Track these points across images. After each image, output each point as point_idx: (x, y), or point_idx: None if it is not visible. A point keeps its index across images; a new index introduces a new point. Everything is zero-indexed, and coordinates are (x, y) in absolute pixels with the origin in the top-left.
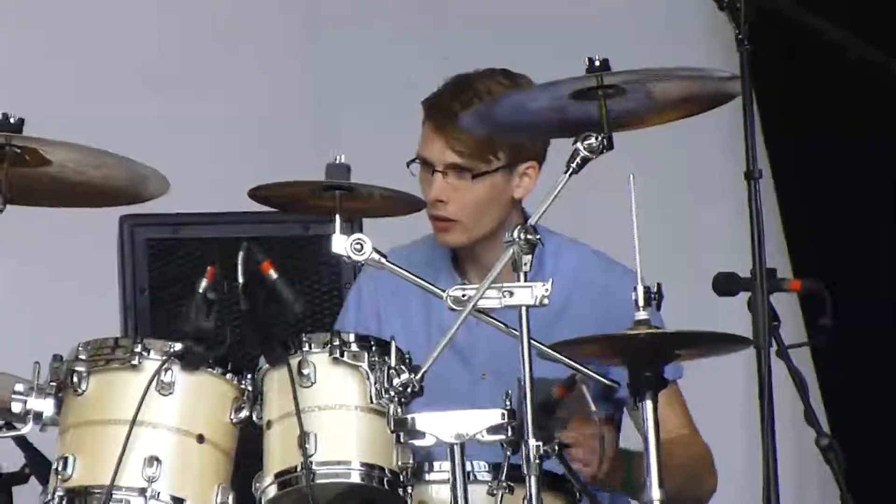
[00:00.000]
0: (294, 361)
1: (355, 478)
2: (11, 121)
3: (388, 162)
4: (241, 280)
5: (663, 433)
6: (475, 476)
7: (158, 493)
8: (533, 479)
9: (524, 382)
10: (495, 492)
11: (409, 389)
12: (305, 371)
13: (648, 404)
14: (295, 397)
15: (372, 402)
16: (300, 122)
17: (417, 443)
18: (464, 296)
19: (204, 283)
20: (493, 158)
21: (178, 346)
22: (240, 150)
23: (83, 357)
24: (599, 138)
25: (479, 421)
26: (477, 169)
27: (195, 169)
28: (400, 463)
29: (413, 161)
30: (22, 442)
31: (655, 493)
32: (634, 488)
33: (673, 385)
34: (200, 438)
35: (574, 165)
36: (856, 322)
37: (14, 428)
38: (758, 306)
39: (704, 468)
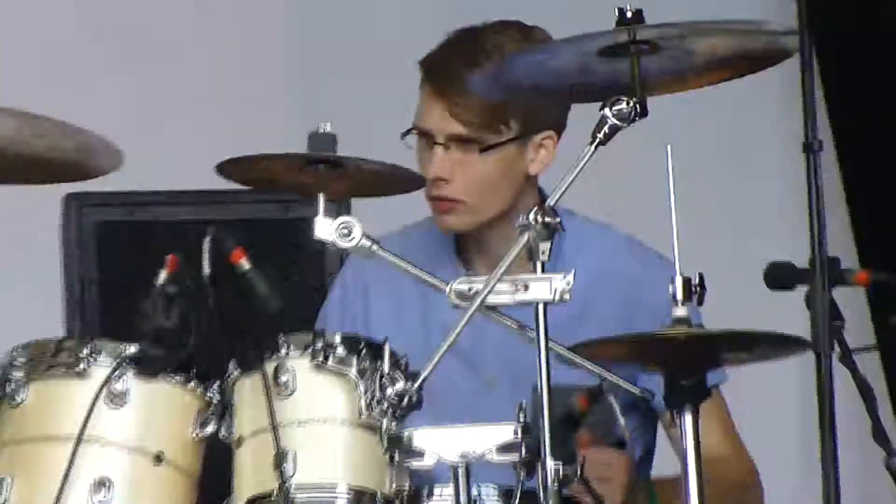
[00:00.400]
0: (269, 367)
1: None
2: None
3: (380, 132)
4: (207, 271)
5: (704, 452)
6: (483, 503)
7: None
8: None
9: (541, 391)
10: None
11: (405, 400)
12: (283, 378)
13: (688, 419)
14: (270, 409)
15: (362, 415)
16: (279, 86)
17: (415, 463)
18: (470, 290)
19: (163, 275)
20: (504, 128)
21: (132, 349)
22: (207, 118)
23: (20, 362)
24: (631, 103)
25: (488, 437)
26: (485, 140)
27: (154, 140)
28: (394, 487)
29: (408, 132)
30: None
31: None
32: None
33: (715, 393)
34: (158, 458)
35: (601, 135)
36: None
37: None
38: (817, 302)
39: (752, 496)
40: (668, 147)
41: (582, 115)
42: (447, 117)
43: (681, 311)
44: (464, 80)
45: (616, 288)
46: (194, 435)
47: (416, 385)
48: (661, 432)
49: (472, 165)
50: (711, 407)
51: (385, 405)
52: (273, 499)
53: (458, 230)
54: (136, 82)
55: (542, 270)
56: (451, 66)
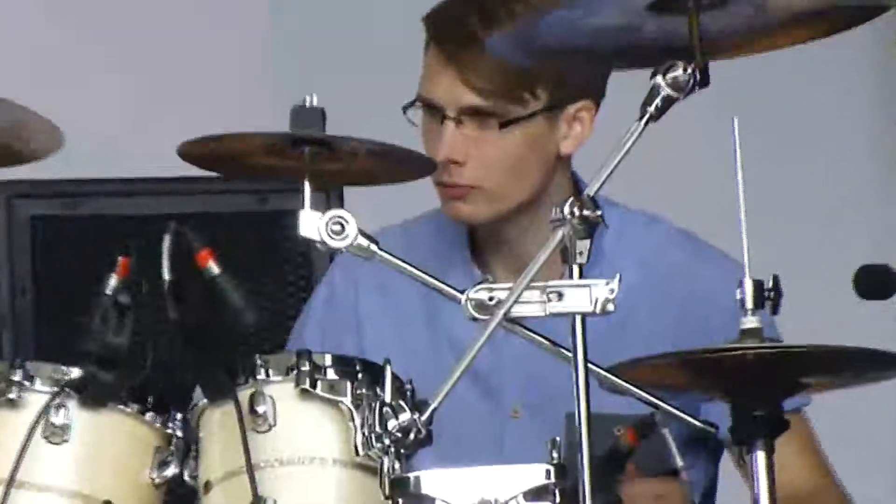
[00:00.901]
0: (244, 395)
1: None
2: None
3: (378, 108)
4: (167, 277)
5: (787, 488)
6: None
7: None
8: None
9: (579, 423)
10: None
11: (411, 435)
12: (261, 409)
13: (760, 457)
14: (245, 447)
15: (358, 453)
16: (255, 54)
17: None
18: (491, 299)
19: (114, 281)
20: (530, 97)
21: (75, 373)
22: (169, 91)
23: None
24: (689, 70)
25: (513, 481)
26: (506, 113)
27: (102, 117)
28: None
29: (411, 104)
30: None
31: None
32: None
33: (797, 417)
34: None
35: (652, 109)
36: None
37: None
38: None
39: None
40: (735, 121)
41: (627, 84)
42: (459, 86)
43: (751, 321)
44: (479, 40)
45: (668, 292)
46: (152, 478)
47: (425, 417)
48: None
49: (491, 144)
50: (796, 435)
51: (386, 441)
52: None
53: (473, 221)
54: (87, 48)
55: (580, 275)
56: (462, 22)
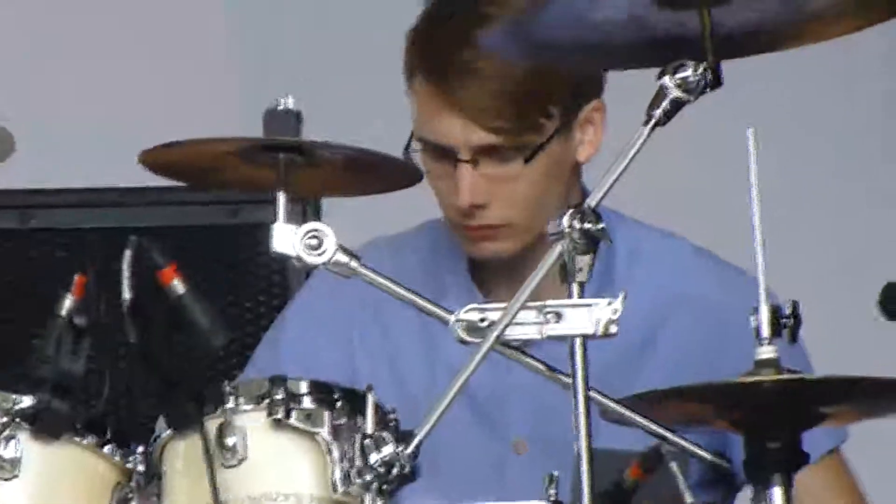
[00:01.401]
0: (212, 425)
1: None
2: None
3: (360, 109)
4: (127, 296)
5: None
6: None
7: None
8: None
9: (581, 457)
10: None
11: (394, 470)
12: (230, 441)
13: (777, 494)
14: (213, 483)
15: (336, 490)
16: (223, 52)
17: None
18: (483, 320)
19: (69, 302)
20: (545, 120)
21: (26, 401)
22: (129, 94)
23: None
24: (700, 70)
25: None
26: (525, 144)
27: (57, 121)
28: None
29: (409, 145)
30: None
31: None
32: None
33: (834, 459)
34: None
35: (659, 113)
36: None
37: None
38: None
39: None
40: (750, 131)
41: (632, 85)
42: (469, 125)
43: (768, 351)
44: (475, 70)
45: (691, 320)
46: None
47: (410, 449)
48: None
49: (515, 180)
50: (833, 474)
51: (367, 476)
52: None
53: (501, 257)
54: (41, 42)
55: (581, 294)
56: (451, 47)
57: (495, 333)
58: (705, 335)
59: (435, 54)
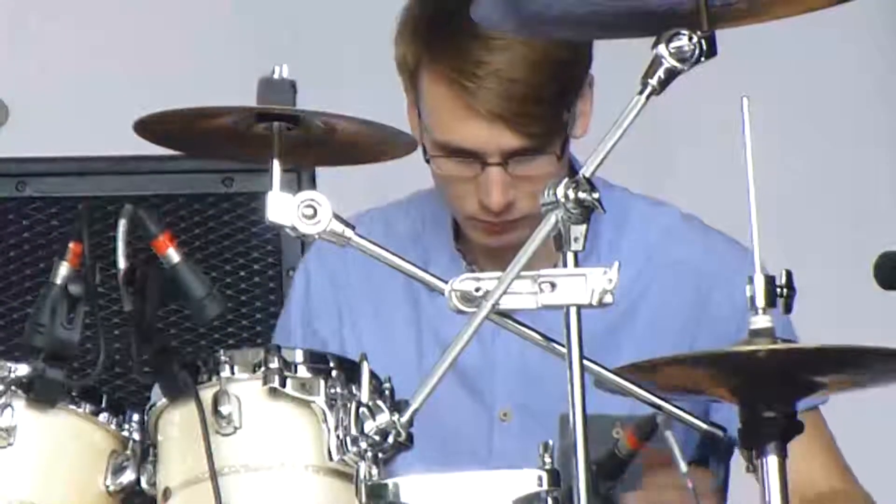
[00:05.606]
0: (207, 394)
1: None
2: None
3: (357, 79)
4: (122, 264)
5: (804, 491)
6: None
7: None
8: None
9: (573, 425)
10: None
11: (389, 438)
12: (225, 409)
13: (772, 462)
14: (208, 451)
15: (331, 458)
16: (220, 20)
17: None
18: (478, 290)
19: (64, 269)
20: (566, 112)
21: (21, 370)
22: (124, 61)
23: None
24: (694, 39)
25: (502, 487)
26: (554, 140)
27: (53, 90)
28: None
29: (424, 151)
30: None
31: None
32: None
33: (814, 416)
34: None
35: (653, 82)
36: None
37: None
38: None
39: None
40: (744, 100)
41: (625, 54)
42: (498, 130)
43: (762, 321)
44: (498, 68)
45: (674, 285)
46: (106, 486)
47: (405, 418)
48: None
49: (542, 177)
50: (812, 436)
51: (363, 445)
52: None
53: (514, 245)
54: (35, 14)
55: (576, 263)
56: (463, 41)
57: (490, 302)
58: (684, 301)
59: (449, 53)
